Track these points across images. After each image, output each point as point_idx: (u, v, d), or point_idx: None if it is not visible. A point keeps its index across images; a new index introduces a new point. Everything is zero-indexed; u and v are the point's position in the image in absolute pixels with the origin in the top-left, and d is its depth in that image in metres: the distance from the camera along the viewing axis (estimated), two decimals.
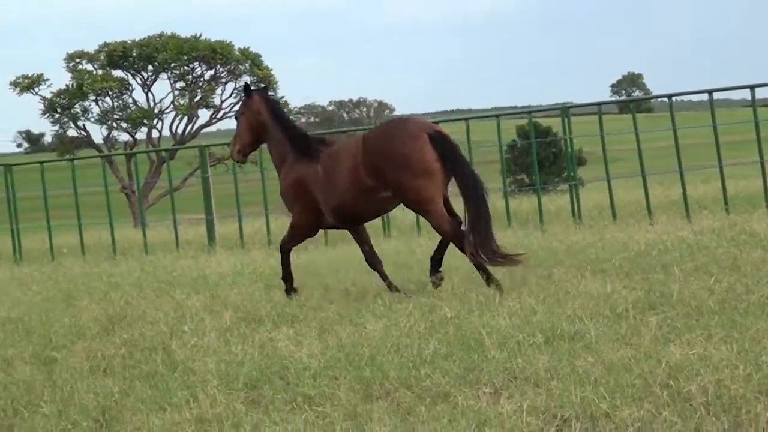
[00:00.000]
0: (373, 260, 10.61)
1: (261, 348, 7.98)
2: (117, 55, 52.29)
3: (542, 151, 44.49)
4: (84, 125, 53.63)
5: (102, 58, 52.68)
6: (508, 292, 9.07)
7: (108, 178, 19.09)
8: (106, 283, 12.36)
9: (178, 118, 53.49)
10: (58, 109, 52.87)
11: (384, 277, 10.41)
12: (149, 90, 53.58)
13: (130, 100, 53.66)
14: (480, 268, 9.70)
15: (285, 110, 11.56)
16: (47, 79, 53.24)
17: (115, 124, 53.35)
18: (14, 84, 52.72)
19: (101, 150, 52.08)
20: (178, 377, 7.39)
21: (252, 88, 11.02)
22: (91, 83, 51.57)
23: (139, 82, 53.60)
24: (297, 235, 10.71)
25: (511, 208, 16.40)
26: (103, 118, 53.16)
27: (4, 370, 7.89)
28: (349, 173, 10.12)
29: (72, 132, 54.07)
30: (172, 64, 52.63)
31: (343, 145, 10.52)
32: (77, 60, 52.80)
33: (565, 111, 16.28)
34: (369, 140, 10.13)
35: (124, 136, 54.50)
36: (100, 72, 52.78)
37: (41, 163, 18.50)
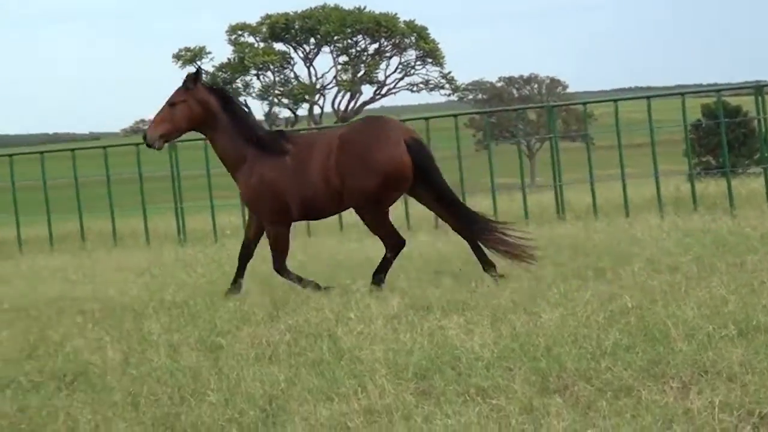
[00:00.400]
0: (246, 257, 11.20)
1: (430, 336, 7.99)
2: (279, 28, 53.05)
3: (731, 131, 43.49)
4: (245, 100, 54.62)
5: (264, 30, 53.51)
6: (696, 281, 8.92)
7: None
8: (269, 267, 12.55)
9: (340, 94, 53.99)
10: (220, 84, 53.89)
11: (238, 276, 11.11)
12: (311, 64, 54.31)
13: (292, 75, 54.44)
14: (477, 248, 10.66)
15: (240, 103, 11.55)
16: (209, 52, 54.53)
17: (276, 100, 54.16)
18: (177, 57, 54.00)
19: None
20: (345, 366, 7.44)
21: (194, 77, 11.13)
22: (252, 57, 52.45)
23: (301, 55, 54.37)
24: (282, 243, 11.04)
25: (696, 191, 16.12)
26: (264, 94, 54.04)
27: (171, 356, 8.06)
28: (321, 171, 10.62)
29: None
30: (335, 37, 53.14)
31: (316, 140, 10.97)
32: (239, 32, 53.73)
33: (758, 90, 15.98)
34: (345, 142, 10.61)
35: (286, 113, 55.32)
36: (261, 45, 53.61)
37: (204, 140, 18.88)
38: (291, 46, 53.73)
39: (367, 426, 6.32)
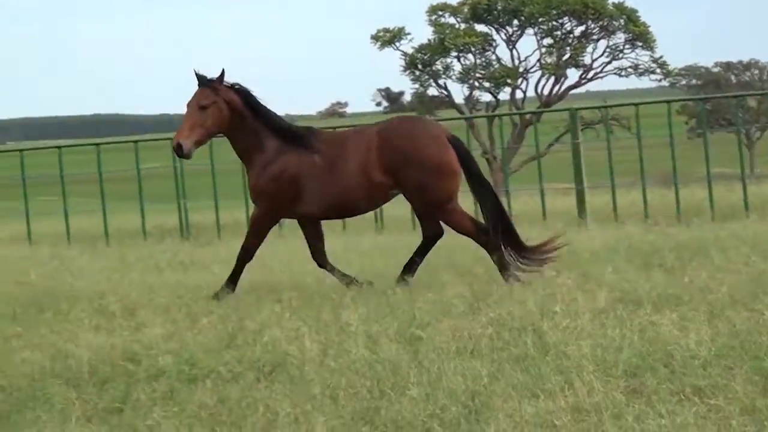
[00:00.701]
0: (322, 259, 11.32)
1: (641, 332, 7.89)
2: (481, 8, 53.00)
3: None
4: (445, 84, 54.74)
5: (465, 11, 53.51)
6: None
7: (470, 142, 19.48)
8: (469, 257, 12.54)
9: (544, 77, 53.66)
10: (419, 66, 54.12)
11: (336, 273, 11.19)
12: (514, 47, 54.12)
13: (494, 58, 54.34)
14: (502, 266, 10.82)
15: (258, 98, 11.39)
16: (408, 34, 54.68)
17: (477, 83, 54.15)
18: (375, 38, 54.39)
19: (462, 111, 53.01)
20: (550, 361, 7.40)
21: (207, 77, 11.06)
22: (453, 38, 52.54)
23: (504, 37, 54.20)
24: (262, 230, 11.26)
25: None
26: (464, 77, 54.07)
27: (370, 348, 8.09)
28: (359, 168, 10.80)
29: (432, 90, 55.30)
30: (540, 19, 52.83)
31: (350, 138, 11.12)
32: (440, 13, 53.84)
33: None
34: (387, 139, 10.82)
35: (486, 96, 55.24)
36: (462, 26, 53.66)
37: None
38: (493, 27, 53.54)
39: (574, 424, 6.29)
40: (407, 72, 54.57)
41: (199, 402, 7.18)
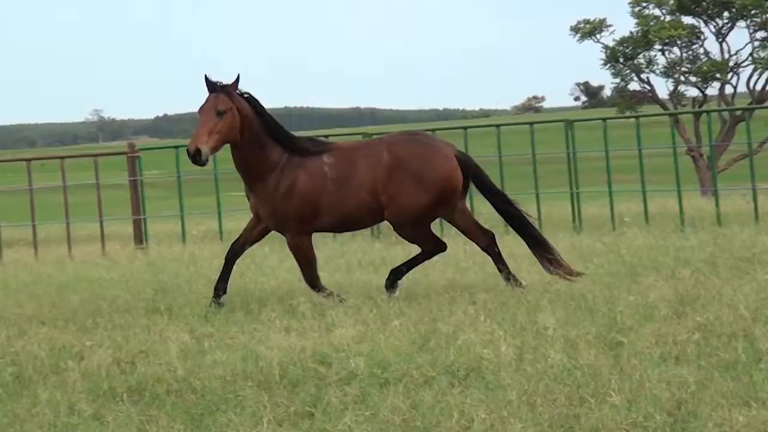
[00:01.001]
0: (234, 257, 11.57)
1: None
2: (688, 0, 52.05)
3: None
4: (648, 78, 53.91)
5: (671, 2, 52.63)
6: None
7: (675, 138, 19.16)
8: (673, 258, 12.36)
9: (757, 72, 52.43)
10: (620, 59, 53.43)
11: (224, 277, 11.50)
12: (723, 40, 52.94)
13: (701, 51, 53.31)
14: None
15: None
16: (610, 25, 53.96)
17: (682, 78, 53.22)
18: (575, 29, 53.87)
19: (665, 106, 52.19)
20: (764, 369, 7.28)
21: (218, 82, 11.07)
22: (657, 30, 51.71)
23: (712, 30, 53.07)
24: (310, 256, 11.34)
25: None
26: (669, 71, 53.18)
27: (568, 353, 8.04)
28: (367, 184, 10.98)
29: (634, 85, 54.48)
30: (753, 11, 51.60)
31: (359, 151, 11.23)
32: (643, 4, 53.05)
33: None
34: (398, 157, 11.05)
35: (693, 92, 54.19)
36: (667, 18, 52.81)
37: (604, 119, 18.85)
38: (701, 19, 52.42)
39: None
40: (607, 66, 53.86)
41: (392, 406, 7.17)
